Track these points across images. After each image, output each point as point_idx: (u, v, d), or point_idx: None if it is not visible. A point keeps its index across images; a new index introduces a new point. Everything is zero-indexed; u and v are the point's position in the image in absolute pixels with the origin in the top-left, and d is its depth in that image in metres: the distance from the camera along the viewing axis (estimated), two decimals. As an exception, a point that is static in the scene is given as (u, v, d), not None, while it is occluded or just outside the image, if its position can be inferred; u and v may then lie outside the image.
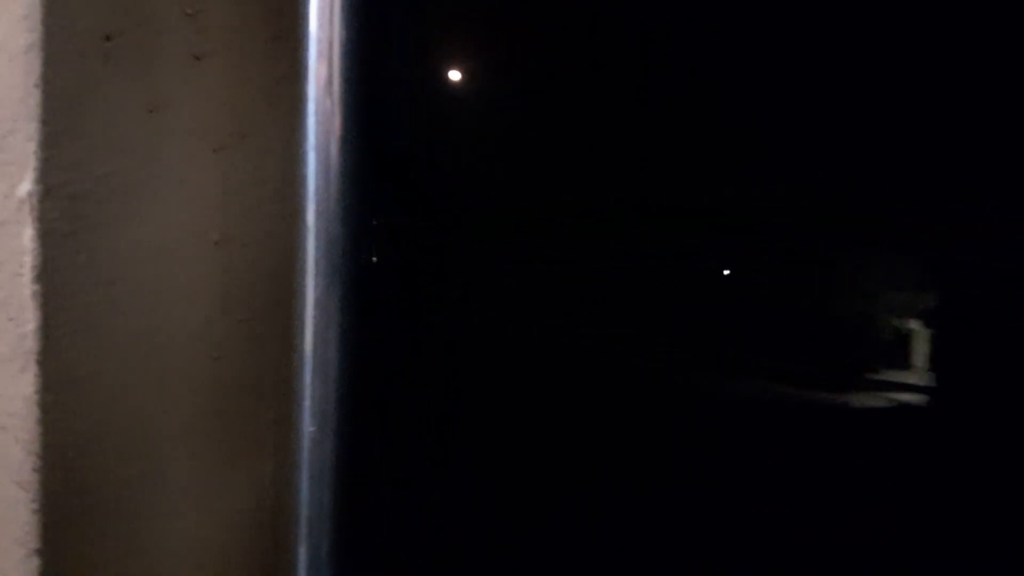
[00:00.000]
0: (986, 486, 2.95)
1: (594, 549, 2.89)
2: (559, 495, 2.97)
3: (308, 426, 1.21)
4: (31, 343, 1.19)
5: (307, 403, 1.22)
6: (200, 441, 1.27)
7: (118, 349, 1.24)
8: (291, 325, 1.26)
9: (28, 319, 1.20)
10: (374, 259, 1.28)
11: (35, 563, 1.17)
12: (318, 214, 1.23)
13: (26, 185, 1.21)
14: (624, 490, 3.07)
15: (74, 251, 1.22)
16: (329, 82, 1.26)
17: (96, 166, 1.24)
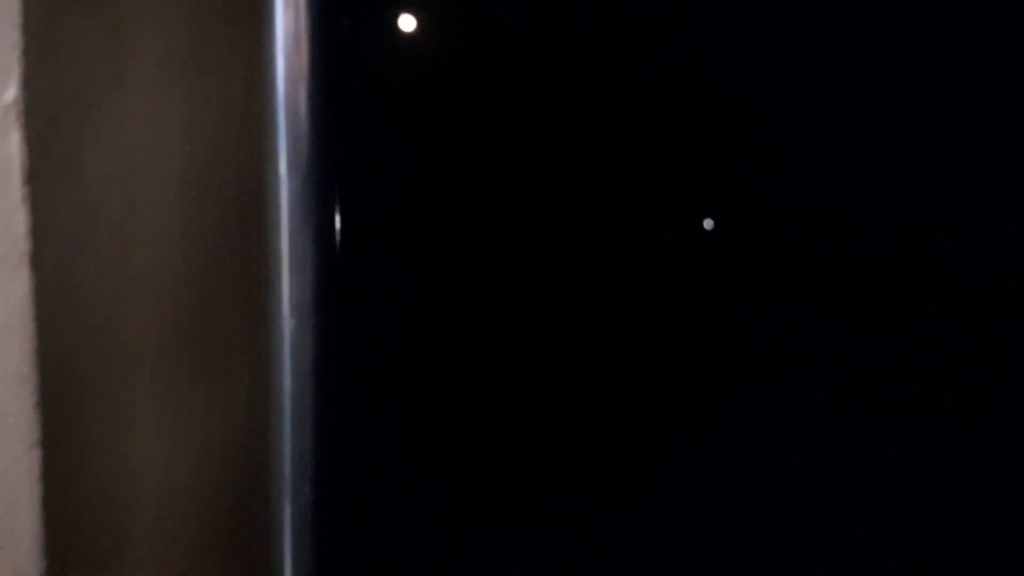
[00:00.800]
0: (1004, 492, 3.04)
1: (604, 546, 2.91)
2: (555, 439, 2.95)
3: (288, 323, 1.32)
4: (23, 245, 1.23)
5: (285, 301, 1.33)
6: (174, 358, 1.33)
7: (98, 260, 1.29)
8: (259, 247, 1.35)
9: (19, 221, 1.23)
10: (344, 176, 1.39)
11: (37, 454, 1.21)
12: (288, 130, 1.34)
13: (12, 91, 1.24)
14: (622, 492, 3.10)
15: (59, 159, 1.27)
16: (296, 9, 1.37)
17: (71, 82, 1.29)
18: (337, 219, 1.41)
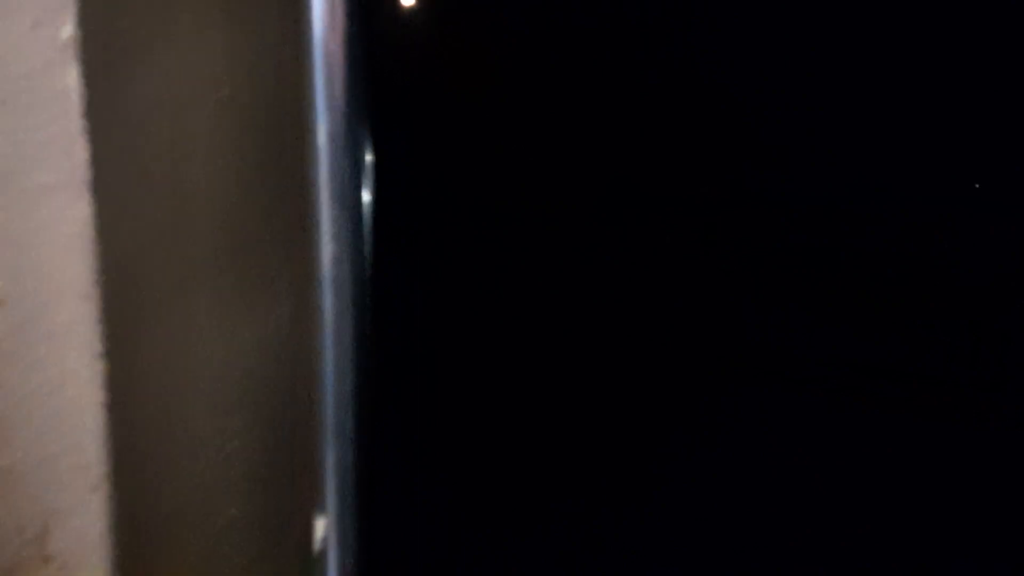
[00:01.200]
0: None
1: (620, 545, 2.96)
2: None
3: (329, 250, 1.42)
4: (83, 172, 1.33)
5: (325, 229, 1.43)
6: (225, 271, 1.44)
7: (152, 182, 1.39)
8: (299, 177, 1.45)
9: (78, 151, 1.33)
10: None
11: (101, 365, 1.32)
12: (324, 73, 1.43)
13: (68, 28, 1.33)
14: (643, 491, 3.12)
15: (113, 92, 1.36)
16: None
17: (123, 19, 1.38)
18: (371, 157, 1.50)
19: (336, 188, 1.46)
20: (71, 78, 1.33)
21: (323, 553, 1.49)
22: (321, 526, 1.48)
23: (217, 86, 1.46)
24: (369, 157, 1.50)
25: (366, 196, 1.49)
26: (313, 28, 1.46)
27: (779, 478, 3.48)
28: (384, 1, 1.52)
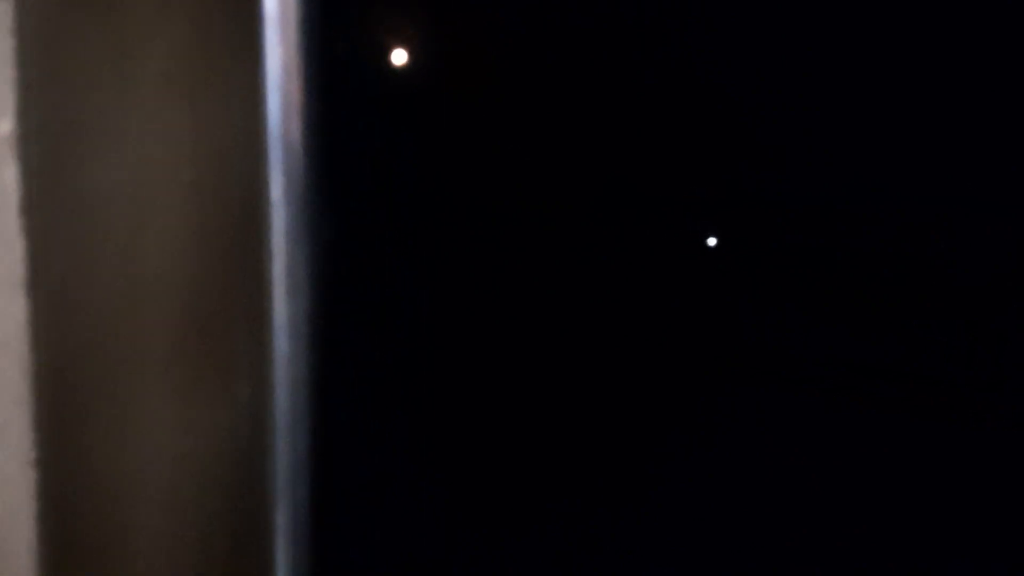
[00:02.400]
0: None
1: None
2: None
3: (283, 336, 1.36)
4: (20, 271, 1.29)
5: (280, 323, 1.37)
6: (178, 362, 1.39)
7: (102, 277, 1.34)
8: (258, 264, 1.39)
9: (16, 249, 1.29)
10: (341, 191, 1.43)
11: (34, 472, 1.27)
12: (283, 149, 1.38)
13: (6, 125, 1.30)
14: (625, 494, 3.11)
15: (55, 186, 1.32)
16: (287, 32, 1.39)
17: (71, 108, 1.33)
18: (330, 237, 1.44)
19: (291, 278, 1.40)
20: (8, 175, 1.30)
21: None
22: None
23: (178, 171, 1.41)
24: (325, 241, 1.44)
25: (322, 282, 1.43)
26: (270, 116, 1.40)
27: (777, 477, 3.40)
28: (343, 90, 1.46)
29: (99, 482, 1.34)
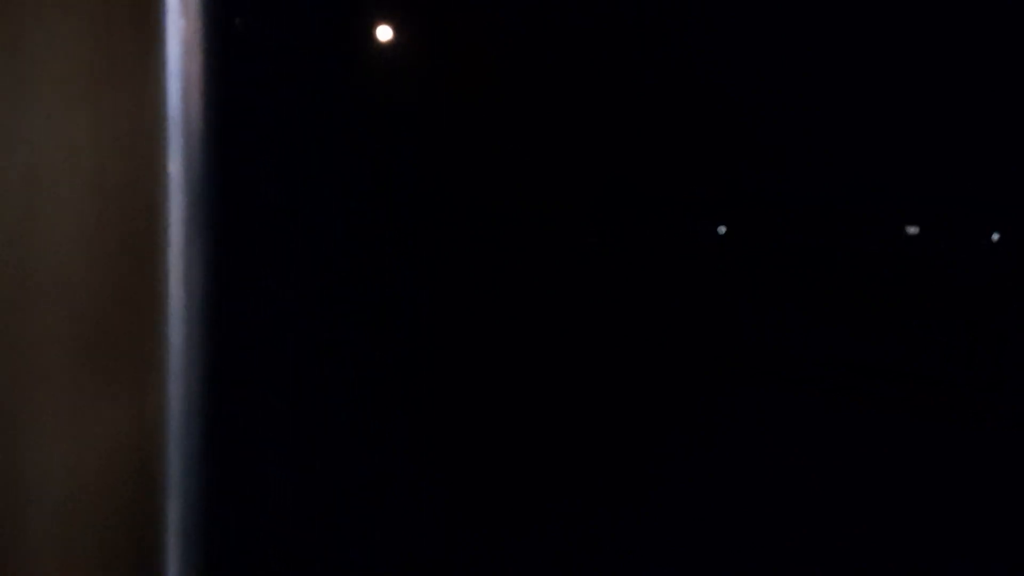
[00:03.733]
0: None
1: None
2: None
3: (177, 346, 1.34)
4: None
5: (175, 324, 1.34)
6: (71, 364, 1.37)
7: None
8: (154, 259, 1.37)
9: None
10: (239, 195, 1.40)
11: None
12: (183, 157, 1.35)
13: None
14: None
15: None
16: (189, 22, 1.37)
17: None
18: (230, 235, 1.41)
19: (188, 279, 1.38)
20: None
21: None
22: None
23: (73, 171, 1.38)
24: (223, 241, 1.41)
25: (219, 282, 1.40)
26: (170, 113, 1.38)
27: (777, 477, 3.36)
28: (243, 78, 1.43)
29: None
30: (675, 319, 3.18)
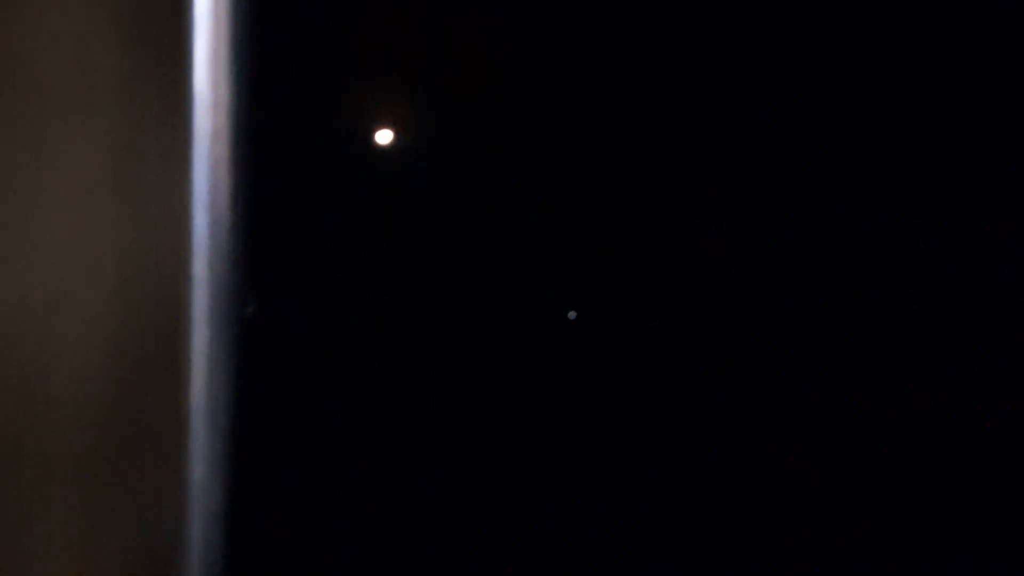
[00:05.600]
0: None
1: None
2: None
3: (200, 466, 1.27)
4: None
5: (196, 447, 1.28)
6: (86, 479, 1.30)
7: (11, 389, 1.25)
8: (184, 372, 1.30)
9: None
10: (260, 309, 1.33)
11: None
12: (208, 266, 1.27)
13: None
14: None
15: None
16: (216, 135, 1.28)
17: None
18: (255, 357, 1.34)
19: (211, 398, 1.31)
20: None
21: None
22: None
23: (97, 277, 1.31)
24: (248, 361, 1.34)
25: (243, 405, 1.33)
26: (196, 222, 1.30)
27: (777, 477, 3.36)
28: (273, 186, 1.35)
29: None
30: (674, 319, 3.14)
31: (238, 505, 1.31)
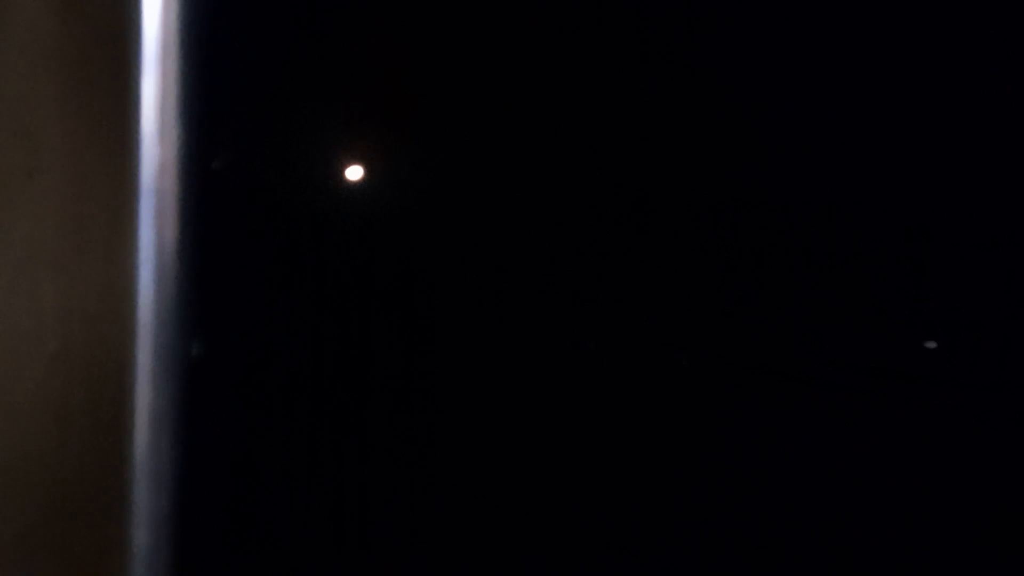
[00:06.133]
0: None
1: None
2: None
3: (143, 540, 1.24)
4: None
5: (139, 516, 1.24)
6: (32, 553, 1.28)
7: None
8: (128, 430, 1.28)
9: None
10: (206, 360, 1.30)
11: None
12: (153, 316, 1.26)
13: None
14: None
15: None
16: (162, 192, 1.28)
17: None
18: (202, 422, 1.31)
19: (155, 465, 1.27)
20: None
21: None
22: None
23: (40, 343, 1.31)
24: (194, 426, 1.30)
25: (188, 473, 1.29)
26: (141, 286, 1.29)
27: (777, 477, 3.08)
28: (225, 247, 1.33)
29: None
30: (674, 318, 2.99)
31: (184, 571, 1.27)
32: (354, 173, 1.52)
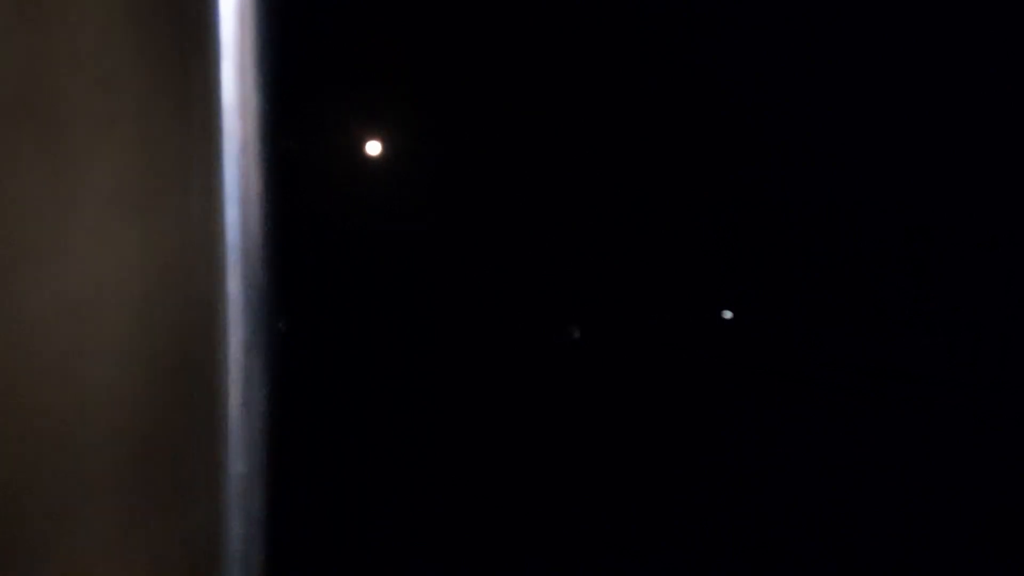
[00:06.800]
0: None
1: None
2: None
3: (237, 468, 1.29)
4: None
5: (234, 445, 1.29)
6: (123, 492, 1.32)
7: (39, 403, 1.27)
8: (219, 376, 1.31)
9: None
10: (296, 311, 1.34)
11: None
12: (241, 275, 1.28)
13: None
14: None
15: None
16: (244, 144, 1.28)
17: (2, 230, 1.24)
18: (290, 354, 1.35)
19: (247, 399, 1.32)
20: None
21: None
22: None
23: (123, 289, 1.31)
24: (283, 359, 1.35)
25: (280, 402, 1.34)
26: (228, 229, 1.30)
27: (776, 478, 3.31)
28: (303, 203, 1.34)
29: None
30: (674, 318, 3.09)
31: (277, 507, 1.33)
32: (417, 150, 1.53)
